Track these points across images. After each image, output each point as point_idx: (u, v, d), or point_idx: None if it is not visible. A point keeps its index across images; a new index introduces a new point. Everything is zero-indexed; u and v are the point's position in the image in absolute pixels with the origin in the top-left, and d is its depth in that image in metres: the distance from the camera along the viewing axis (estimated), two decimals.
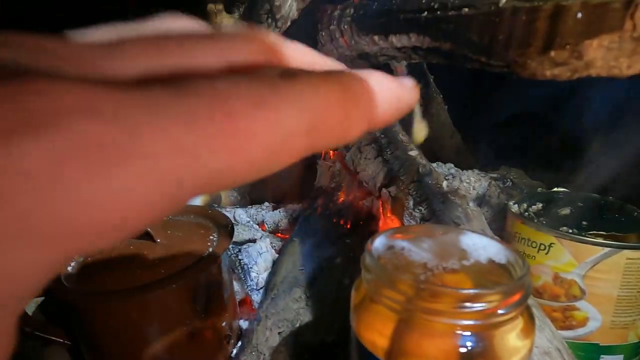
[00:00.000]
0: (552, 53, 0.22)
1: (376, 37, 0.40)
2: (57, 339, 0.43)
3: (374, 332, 0.25)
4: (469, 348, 0.23)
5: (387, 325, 0.25)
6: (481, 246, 0.27)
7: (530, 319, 0.25)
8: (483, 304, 0.23)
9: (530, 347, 0.24)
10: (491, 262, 0.27)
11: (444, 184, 0.48)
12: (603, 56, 0.21)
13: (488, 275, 0.26)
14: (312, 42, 0.57)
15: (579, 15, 0.21)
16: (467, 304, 0.23)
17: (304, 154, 0.11)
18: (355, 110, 0.12)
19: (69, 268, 0.43)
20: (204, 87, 0.09)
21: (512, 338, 0.24)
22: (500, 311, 0.23)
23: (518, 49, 0.24)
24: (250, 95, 0.10)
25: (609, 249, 0.42)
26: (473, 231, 0.29)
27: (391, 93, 0.13)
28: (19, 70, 0.08)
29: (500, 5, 0.25)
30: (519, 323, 0.24)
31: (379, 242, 0.28)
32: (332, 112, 0.11)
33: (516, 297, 0.23)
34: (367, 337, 0.26)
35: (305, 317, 0.43)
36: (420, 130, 0.23)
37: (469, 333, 0.23)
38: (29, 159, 0.07)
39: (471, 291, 0.23)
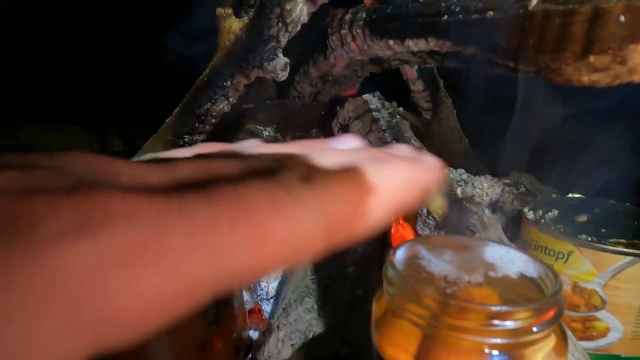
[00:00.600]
0: (592, 58, 0.21)
1: (391, 42, 0.39)
2: None
3: (397, 348, 0.24)
4: None
5: (411, 341, 0.24)
6: (508, 259, 0.26)
7: (563, 337, 0.24)
8: (514, 322, 0.22)
9: None
10: (519, 276, 0.26)
11: (458, 190, 0.47)
12: None
13: (516, 290, 0.25)
14: (322, 46, 0.56)
15: (622, 18, 0.20)
16: (497, 322, 0.22)
17: (322, 250, 0.12)
18: (373, 203, 0.13)
19: None
20: (228, 192, 0.11)
21: (543, 358, 0.23)
22: (533, 329, 0.22)
23: (551, 53, 0.23)
24: (271, 199, 0.11)
25: (631, 257, 0.40)
26: (499, 243, 0.28)
27: (413, 179, 0.14)
28: (83, 181, 0.10)
29: (530, 8, 0.24)
30: (551, 342, 0.23)
31: (401, 254, 0.27)
32: (348, 211, 0.12)
33: (549, 315, 0.22)
34: (390, 353, 0.25)
35: (318, 328, 0.42)
36: (438, 206, 0.22)
37: (497, 352, 0.22)
38: (80, 255, 0.09)
39: (501, 308, 0.22)
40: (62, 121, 1.36)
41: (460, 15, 0.29)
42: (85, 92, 1.25)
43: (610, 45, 0.20)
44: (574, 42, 0.22)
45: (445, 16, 0.31)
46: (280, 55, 0.48)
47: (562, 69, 0.22)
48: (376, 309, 0.27)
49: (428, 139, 0.83)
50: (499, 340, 0.22)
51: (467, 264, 0.27)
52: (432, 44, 0.33)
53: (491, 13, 0.26)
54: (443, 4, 0.31)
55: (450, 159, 0.86)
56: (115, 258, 0.09)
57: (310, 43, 0.57)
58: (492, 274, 0.26)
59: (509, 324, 0.22)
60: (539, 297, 0.24)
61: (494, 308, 0.22)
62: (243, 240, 0.10)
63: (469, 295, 0.25)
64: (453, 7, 0.30)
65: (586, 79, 0.22)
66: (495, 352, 0.22)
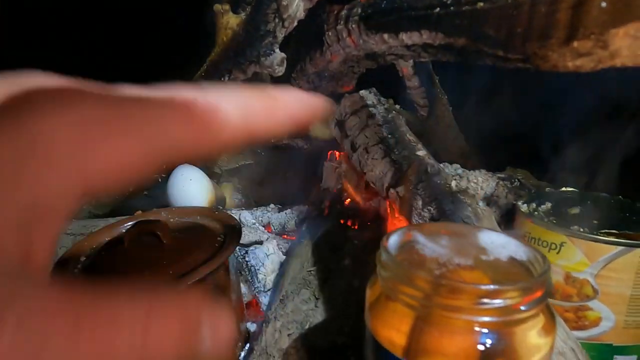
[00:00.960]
0: (575, 44, 0.22)
1: (385, 36, 0.40)
2: None
3: (391, 329, 0.25)
4: (489, 346, 0.23)
5: (404, 322, 0.25)
6: (499, 244, 0.27)
7: (551, 316, 0.24)
8: (503, 300, 0.22)
9: (552, 345, 0.24)
10: (510, 259, 0.26)
11: (453, 183, 0.48)
12: (629, 45, 0.20)
13: (506, 273, 0.26)
14: (318, 42, 0.57)
15: (604, 4, 0.20)
16: (487, 300, 0.23)
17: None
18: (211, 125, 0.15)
19: (75, 271, 0.42)
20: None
21: (533, 336, 0.23)
22: (521, 308, 0.22)
23: (538, 41, 0.24)
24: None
25: (621, 247, 0.41)
26: (490, 229, 0.29)
27: (260, 108, 0.16)
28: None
29: None
30: (540, 321, 0.24)
31: (394, 239, 0.27)
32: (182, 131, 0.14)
33: (537, 294, 0.23)
34: (384, 335, 0.25)
35: (315, 318, 0.43)
36: (321, 132, 0.23)
37: (487, 330, 0.23)
38: (63, 124, 0.12)
39: (491, 287, 0.23)
40: None
41: (451, 7, 0.30)
42: None
43: (593, 30, 0.21)
44: (558, 28, 0.23)
45: (438, 8, 0.31)
46: (277, 50, 0.48)
47: (549, 55, 0.23)
48: (370, 294, 0.28)
49: (424, 135, 0.84)
50: (489, 319, 0.23)
51: (460, 248, 0.27)
52: (425, 36, 0.34)
53: (481, 4, 0.27)
54: None
55: (446, 156, 0.87)
56: (89, 126, 0.12)
57: (306, 40, 0.58)
58: (483, 257, 0.27)
59: (498, 302, 0.22)
60: (527, 278, 0.25)
61: (483, 287, 0.23)
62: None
63: (460, 278, 0.25)
64: None
65: (571, 64, 0.22)
66: (485, 330, 0.23)
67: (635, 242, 0.41)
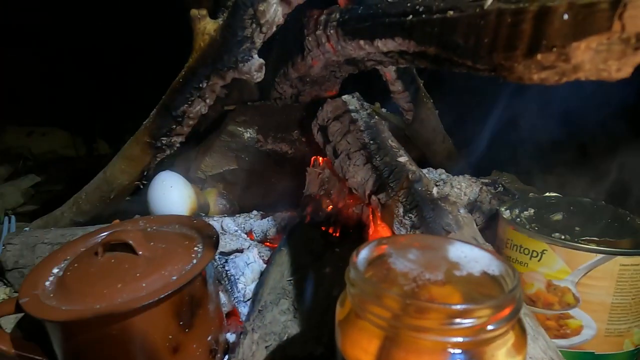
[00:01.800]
0: (539, 56, 0.21)
1: (362, 42, 0.39)
2: (35, 357, 0.41)
3: (359, 349, 0.24)
4: None
5: (372, 342, 0.24)
6: (471, 257, 0.26)
7: (522, 333, 0.24)
8: (472, 320, 0.22)
9: None
10: (481, 273, 0.26)
11: (434, 190, 0.47)
12: (591, 59, 0.20)
13: (477, 288, 0.25)
14: (300, 47, 0.56)
15: (566, 16, 0.20)
16: (456, 320, 0.22)
17: None
18: None
19: (47, 283, 0.41)
20: None
21: (503, 354, 0.23)
22: (490, 327, 0.22)
23: (504, 52, 0.23)
24: None
25: (602, 255, 0.41)
26: (462, 241, 0.28)
27: None
28: None
29: (485, 7, 0.24)
30: (510, 338, 0.23)
31: (364, 254, 0.27)
32: None
33: (506, 312, 0.22)
34: (352, 354, 0.25)
35: (293, 329, 0.42)
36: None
37: (458, 351, 0.22)
38: None
39: (459, 306, 0.22)
40: (49, 124, 1.35)
41: (423, 15, 0.29)
42: (73, 95, 1.24)
43: (555, 42, 0.21)
44: (523, 40, 0.22)
45: (410, 16, 0.31)
46: (255, 56, 0.47)
47: (514, 67, 0.23)
48: (340, 311, 0.27)
49: (411, 139, 0.84)
50: (458, 339, 0.22)
51: (432, 263, 0.27)
52: (399, 43, 0.33)
53: (451, 13, 0.26)
54: (409, 4, 0.31)
55: (433, 159, 0.86)
56: None
57: (287, 44, 0.57)
58: (455, 272, 0.26)
59: (467, 322, 0.22)
60: (499, 294, 0.24)
61: (451, 307, 0.22)
62: None
63: (431, 294, 0.25)
64: (417, 7, 0.30)
65: (536, 76, 0.22)
66: (456, 351, 0.22)
67: (615, 250, 0.41)
